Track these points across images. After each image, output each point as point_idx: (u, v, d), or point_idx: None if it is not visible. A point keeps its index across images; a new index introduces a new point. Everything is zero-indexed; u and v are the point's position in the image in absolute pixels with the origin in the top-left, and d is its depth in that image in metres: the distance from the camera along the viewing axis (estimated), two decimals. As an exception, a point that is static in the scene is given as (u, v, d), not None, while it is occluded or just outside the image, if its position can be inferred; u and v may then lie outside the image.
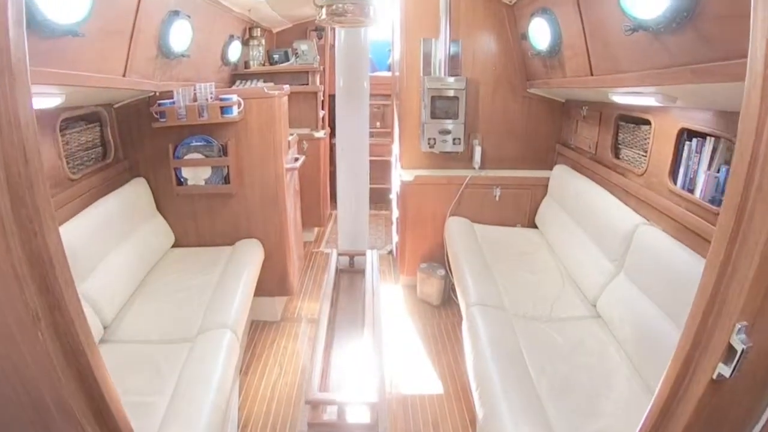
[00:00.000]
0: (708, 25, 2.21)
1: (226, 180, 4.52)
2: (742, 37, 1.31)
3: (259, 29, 6.96)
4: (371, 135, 7.84)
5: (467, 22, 5.23)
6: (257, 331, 4.88)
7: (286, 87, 4.74)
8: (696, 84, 2.46)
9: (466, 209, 5.46)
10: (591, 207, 4.28)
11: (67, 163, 3.77)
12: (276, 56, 7.09)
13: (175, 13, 4.11)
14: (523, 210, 5.52)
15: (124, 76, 3.69)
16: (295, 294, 5.24)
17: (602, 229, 4.00)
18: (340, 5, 2.21)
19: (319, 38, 7.59)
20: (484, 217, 5.45)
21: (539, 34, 4.36)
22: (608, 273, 3.76)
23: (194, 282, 4.09)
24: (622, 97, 3.63)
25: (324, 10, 2.27)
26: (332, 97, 7.55)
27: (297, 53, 6.95)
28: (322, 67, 7.05)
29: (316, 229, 7.46)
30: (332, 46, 7.41)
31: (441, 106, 5.20)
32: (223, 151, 4.47)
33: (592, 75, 3.76)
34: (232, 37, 6.12)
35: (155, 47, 4.07)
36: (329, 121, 7.66)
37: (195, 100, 4.26)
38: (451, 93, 5.19)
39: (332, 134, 7.82)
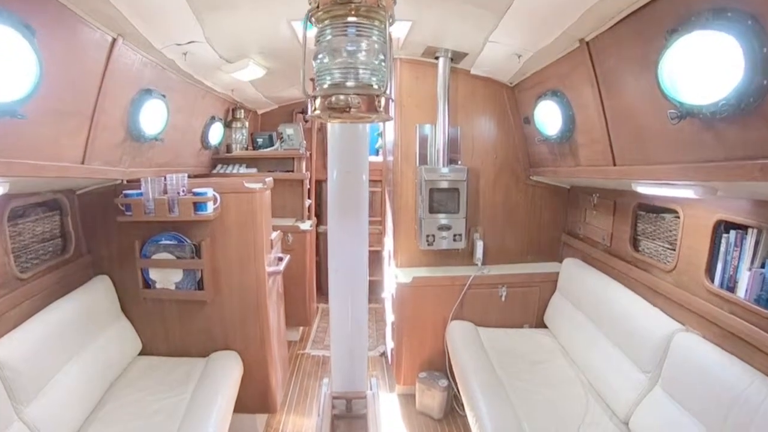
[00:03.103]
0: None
1: (200, 285, 4.05)
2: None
3: (242, 110, 6.64)
4: None
5: (465, 106, 4.96)
6: None
7: (269, 180, 4.32)
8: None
9: (469, 312, 5.01)
10: (612, 307, 3.89)
11: (17, 258, 3.40)
12: (260, 140, 6.77)
13: (147, 92, 3.80)
14: (531, 309, 5.08)
15: (83, 163, 3.32)
16: (278, 409, 4.66)
17: (629, 335, 3.59)
18: (342, 98, 1.69)
19: (306, 121, 7.23)
20: (489, 320, 5.00)
21: (547, 118, 4.08)
22: (641, 387, 3.33)
23: (162, 404, 3.55)
24: (648, 188, 3.26)
25: (318, 102, 1.76)
26: (319, 184, 7.33)
27: (282, 138, 6.62)
28: (308, 153, 6.65)
29: (301, 329, 6.91)
30: (319, 130, 7.30)
31: (440, 199, 4.81)
32: (197, 252, 3.99)
33: (614, 165, 3.41)
34: (213, 118, 5.80)
35: (122, 130, 3.73)
36: (315, 210, 7.25)
37: (165, 192, 3.84)
38: (452, 185, 4.81)
39: (319, 222, 7.48)
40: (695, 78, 2.18)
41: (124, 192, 3.84)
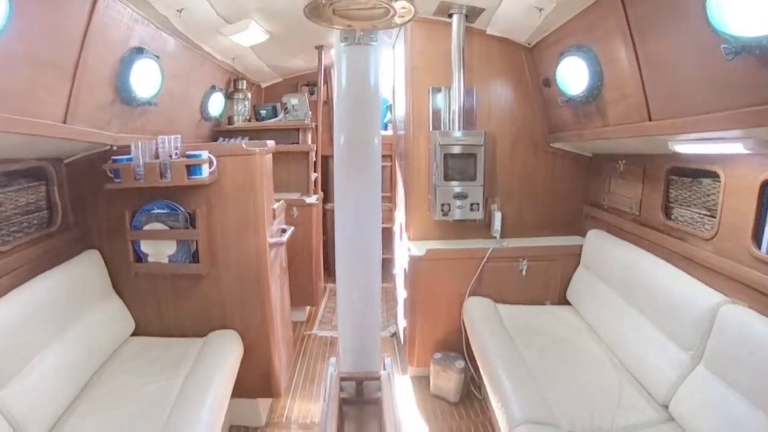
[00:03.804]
0: None
1: (195, 257, 3.72)
2: None
3: (245, 82, 6.32)
4: None
5: (481, 70, 4.61)
6: None
7: (270, 143, 3.96)
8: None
9: (487, 287, 4.64)
10: (645, 280, 3.56)
11: None
12: (263, 112, 6.42)
13: (138, 51, 3.48)
14: (552, 285, 4.72)
15: (64, 122, 2.99)
16: (283, 394, 4.31)
17: (667, 310, 3.26)
18: None
19: (311, 93, 6.91)
20: (509, 296, 4.64)
21: (570, 77, 3.76)
22: (682, 365, 3.00)
23: (153, 387, 3.23)
24: (688, 146, 2.99)
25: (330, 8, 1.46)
26: (325, 159, 6.96)
27: (286, 108, 6.26)
28: (314, 123, 6.30)
29: (308, 308, 6.53)
30: (325, 103, 6.94)
31: (455, 166, 4.47)
32: (191, 221, 3.67)
33: (650, 120, 3.09)
34: (213, 88, 5.49)
35: (111, 91, 3.41)
36: (322, 185, 6.91)
37: (157, 156, 3.52)
38: (468, 150, 4.47)
39: (326, 199, 7.16)
40: (751, 5, 1.88)
41: (113, 157, 3.53)
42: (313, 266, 6.18)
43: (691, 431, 2.76)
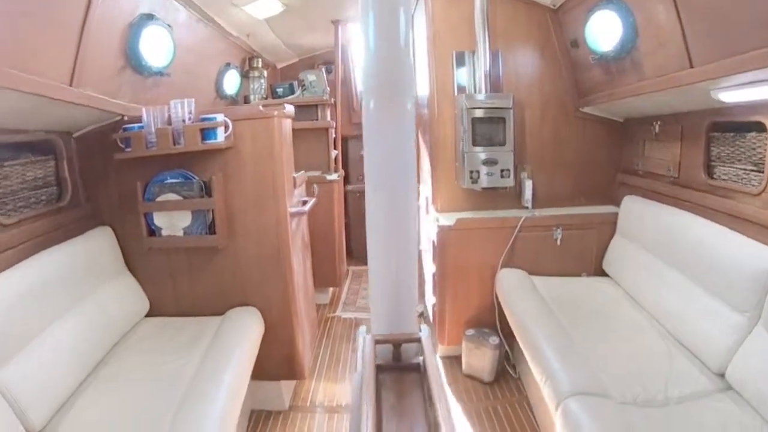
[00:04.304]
0: None
1: (211, 229, 3.47)
2: None
3: (260, 60, 6.09)
4: None
5: (506, 33, 4.35)
6: (259, 424, 3.75)
7: (290, 107, 3.72)
8: None
9: (520, 258, 4.36)
10: (689, 243, 3.30)
11: (3, 205, 2.92)
12: (280, 90, 6.16)
13: (148, 17, 3.27)
14: (587, 255, 4.43)
15: (71, 85, 2.76)
16: (307, 376, 4.06)
17: (716, 271, 2.99)
18: None
19: (329, 72, 6.68)
20: (543, 267, 4.36)
21: (602, 32, 3.53)
22: (737, 329, 2.74)
23: (167, 368, 2.99)
24: (732, 93, 2.78)
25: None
26: (345, 140, 6.76)
27: (303, 85, 6.01)
28: (333, 100, 6.02)
29: (330, 290, 6.26)
30: (343, 82, 6.71)
31: (483, 131, 4.19)
32: (207, 189, 3.42)
33: (692, 67, 2.83)
34: (228, 65, 5.31)
35: (121, 57, 3.21)
36: (342, 164, 6.65)
37: (170, 123, 3.29)
38: (496, 113, 4.20)
39: (346, 180, 6.92)
40: None
41: (124, 126, 3.33)
42: (335, 246, 5.92)
43: (753, 399, 2.49)
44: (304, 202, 4.03)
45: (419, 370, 1.95)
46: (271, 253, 3.56)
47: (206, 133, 3.25)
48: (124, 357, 3.14)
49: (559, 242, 4.36)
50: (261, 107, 3.43)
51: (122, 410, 2.62)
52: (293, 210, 3.66)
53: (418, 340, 1.94)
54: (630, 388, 2.74)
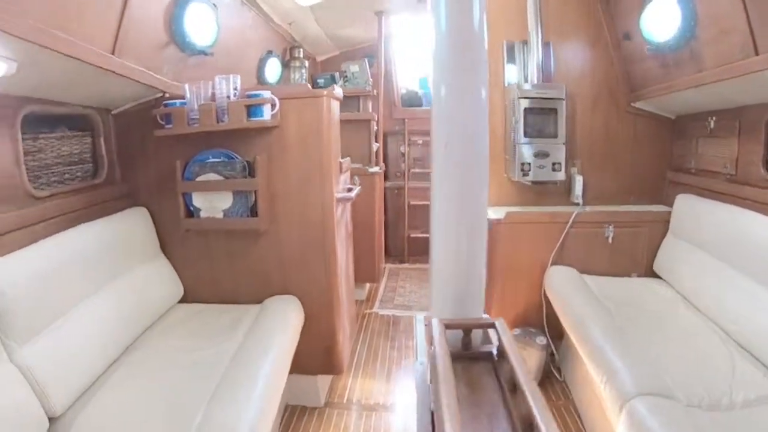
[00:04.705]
0: None
1: (253, 211, 3.25)
2: None
3: (301, 50, 5.91)
4: (426, 178, 6.83)
5: (557, 23, 4.17)
6: (293, 420, 3.52)
7: (338, 89, 3.48)
8: None
9: (571, 256, 4.13)
10: (751, 241, 3.07)
11: (36, 178, 2.77)
12: (321, 81, 5.96)
13: None
14: (639, 256, 4.17)
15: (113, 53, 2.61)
16: (345, 371, 3.83)
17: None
18: None
19: (370, 65, 6.50)
20: (593, 266, 4.12)
21: (658, 21, 3.38)
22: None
23: (202, 354, 2.78)
24: None
25: None
26: (384, 136, 6.57)
27: (345, 76, 5.88)
28: (375, 91, 5.83)
29: (367, 285, 6.01)
30: (384, 76, 6.52)
31: (535, 123, 4.00)
32: (250, 170, 3.20)
33: (757, 54, 2.65)
34: (270, 53, 5.17)
35: (165, 31, 3.06)
36: (383, 157, 6.46)
37: (213, 100, 3.09)
38: (548, 104, 4.01)
39: (385, 176, 6.73)
40: None
41: (165, 102, 3.15)
42: (375, 241, 5.71)
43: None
44: (349, 189, 3.81)
45: (490, 359, 1.72)
46: (315, 239, 3.34)
47: (252, 110, 3.05)
48: (154, 343, 2.93)
49: (610, 240, 4.13)
50: (310, 85, 3.23)
51: (150, 398, 2.40)
52: (339, 195, 3.44)
53: (492, 326, 1.71)
54: (694, 391, 2.53)
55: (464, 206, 1.84)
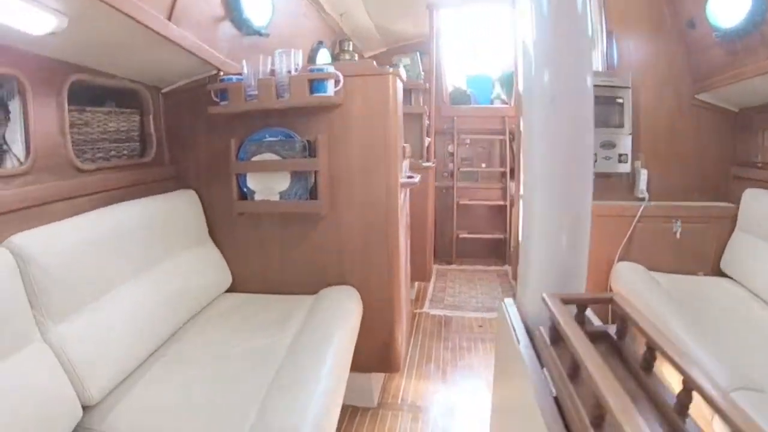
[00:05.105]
0: None
1: (312, 194, 2.99)
2: None
3: (351, 43, 5.67)
4: (475, 178, 6.56)
5: (621, 12, 4.05)
6: (344, 422, 3.19)
7: (402, 69, 3.22)
8: None
9: (638, 252, 3.90)
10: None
11: (81, 152, 2.60)
12: (374, 72, 5.73)
13: None
14: (706, 252, 3.93)
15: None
16: (400, 370, 3.53)
17: None
18: None
19: (421, 59, 6.30)
20: (660, 263, 3.87)
21: (726, 6, 3.22)
22: None
23: (254, 344, 2.52)
24: None
25: None
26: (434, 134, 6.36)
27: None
28: (427, 85, 5.59)
29: (416, 284, 5.71)
30: (437, 67, 6.38)
31: (600, 112, 3.79)
32: (310, 150, 2.94)
33: None
34: (321, 43, 4.99)
35: (221, 5, 2.90)
36: (434, 153, 6.20)
37: (273, 74, 2.86)
38: (613, 93, 3.89)
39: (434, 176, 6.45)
40: None
41: (221, 77, 2.94)
42: (427, 237, 5.44)
43: None
44: (410, 177, 3.52)
45: (607, 339, 1.47)
46: (378, 226, 3.05)
47: (314, 84, 2.79)
48: (200, 333, 2.68)
49: (678, 236, 3.89)
50: (375, 63, 2.97)
51: (195, 393, 2.13)
52: (404, 180, 3.18)
53: (609, 301, 1.47)
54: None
55: (568, 200, 1.67)
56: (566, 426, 1.17)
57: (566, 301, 1.44)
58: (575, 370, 1.26)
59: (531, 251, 1.78)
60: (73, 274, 2.06)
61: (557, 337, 1.43)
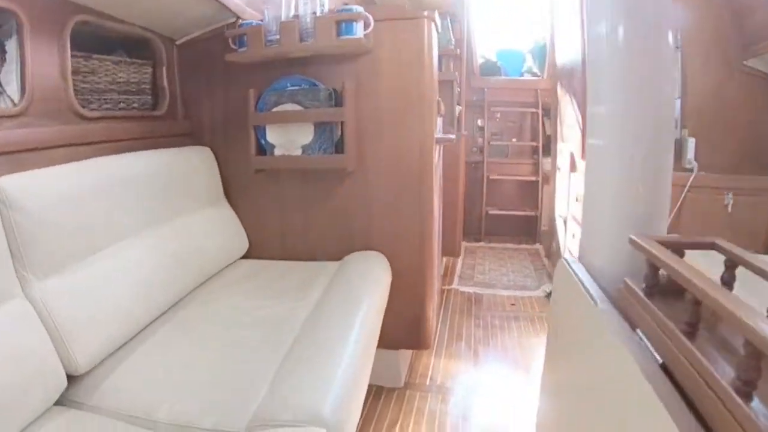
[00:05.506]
0: None
1: (338, 148, 2.67)
2: None
3: (380, -1, 5.36)
4: (505, 153, 6.29)
5: None
6: (367, 403, 2.87)
7: (436, 15, 2.90)
8: None
9: (687, 225, 3.57)
10: None
11: (87, 103, 2.34)
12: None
13: None
14: (760, 228, 3.57)
15: None
16: (430, 347, 3.23)
17: None
18: None
19: (452, 27, 6.01)
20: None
21: None
22: None
23: (272, 311, 2.23)
24: None
25: None
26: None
27: (427, 34, 5.29)
28: (458, 50, 5.28)
29: (444, 260, 5.38)
30: (468, 36, 6.22)
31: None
32: (336, 100, 2.63)
33: None
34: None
35: None
36: (465, 123, 5.88)
37: (296, 16, 2.56)
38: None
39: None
40: None
41: (240, 23, 2.65)
42: (458, 210, 5.16)
43: None
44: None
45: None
46: (410, 186, 2.72)
47: (342, 26, 2.48)
48: (209, 300, 2.40)
49: (729, 209, 3.58)
50: (408, 5, 2.65)
51: (198, 364, 1.85)
52: (439, 136, 2.85)
53: (712, 246, 1.20)
54: None
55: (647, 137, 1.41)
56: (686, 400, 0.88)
57: (666, 244, 1.16)
58: (693, 327, 0.97)
59: (602, 197, 1.50)
60: (65, 224, 1.80)
61: (655, 289, 1.14)
